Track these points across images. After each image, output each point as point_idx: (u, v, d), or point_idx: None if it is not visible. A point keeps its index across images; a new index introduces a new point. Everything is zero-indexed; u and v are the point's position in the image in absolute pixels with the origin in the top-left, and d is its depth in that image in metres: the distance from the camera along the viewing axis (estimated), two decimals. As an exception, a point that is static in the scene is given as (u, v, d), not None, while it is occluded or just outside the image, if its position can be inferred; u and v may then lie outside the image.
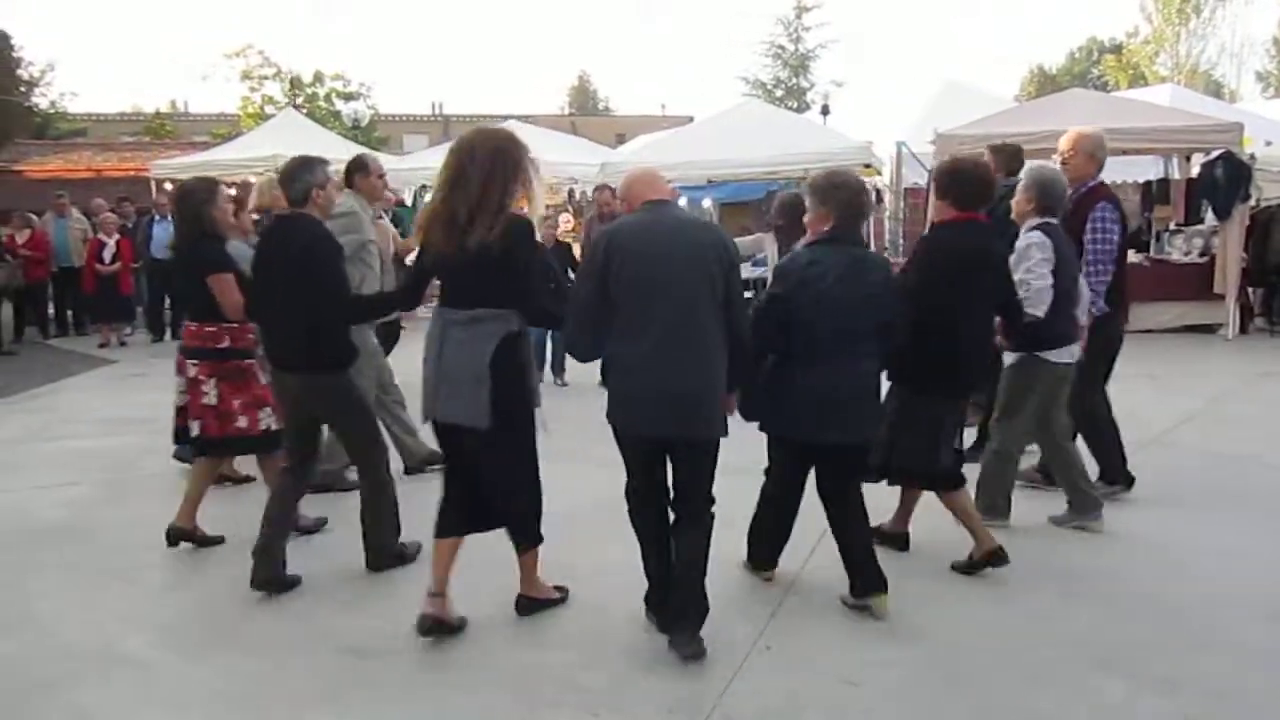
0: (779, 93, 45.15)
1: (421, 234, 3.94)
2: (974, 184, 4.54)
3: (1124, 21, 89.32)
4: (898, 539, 4.89)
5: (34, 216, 14.75)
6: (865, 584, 4.17)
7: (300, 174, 4.49)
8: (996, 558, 4.48)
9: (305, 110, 30.55)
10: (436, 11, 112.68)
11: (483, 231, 3.71)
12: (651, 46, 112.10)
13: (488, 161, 3.79)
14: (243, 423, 4.96)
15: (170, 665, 3.89)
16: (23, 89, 30.81)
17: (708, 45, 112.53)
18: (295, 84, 35.58)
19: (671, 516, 3.93)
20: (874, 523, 4.42)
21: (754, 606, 4.25)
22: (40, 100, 33.01)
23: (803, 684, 3.63)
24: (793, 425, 4.18)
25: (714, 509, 3.89)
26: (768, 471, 4.46)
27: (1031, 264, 4.79)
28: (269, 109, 32.65)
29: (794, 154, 13.50)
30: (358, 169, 5.97)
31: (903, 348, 4.26)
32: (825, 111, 31.35)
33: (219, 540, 5.11)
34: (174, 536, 5.02)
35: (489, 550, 4.09)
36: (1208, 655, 3.82)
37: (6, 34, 29.27)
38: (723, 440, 3.85)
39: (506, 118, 21.24)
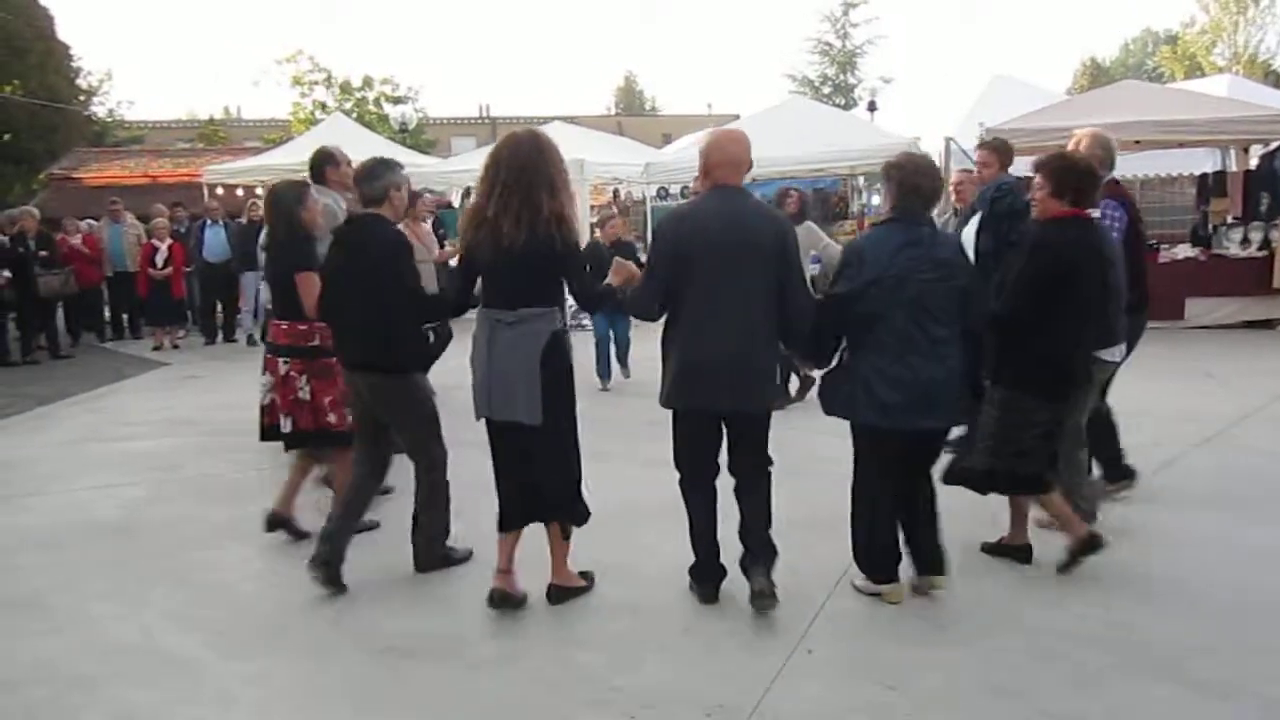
0: (826, 90, 44.81)
1: (467, 237, 4.12)
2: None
3: (1179, 11, 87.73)
4: (1021, 551, 4.71)
5: (93, 221, 15.11)
6: (929, 563, 4.27)
7: (380, 172, 4.53)
8: (1095, 543, 4.43)
9: (354, 114, 30.92)
10: (484, 14, 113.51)
11: (532, 232, 3.94)
12: (698, 46, 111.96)
13: (530, 163, 3.99)
14: (332, 418, 5.08)
15: (214, 665, 3.93)
16: (81, 98, 31.65)
17: (755, 43, 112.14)
18: (345, 88, 36.03)
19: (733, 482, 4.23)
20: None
21: (794, 609, 4.20)
22: (98, 109, 33.97)
23: (844, 688, 3.58)
24: None
25: (771, 468, 4.23)
26: None
27: None
28: (319, 114, 33.10)
29: (840, 151, 13.42)
30: (326, 161, 5.83)
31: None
32: (872, 108, 31.08)
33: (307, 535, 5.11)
34: (272, 523, 5.21)
35: (519, 547, 4.10)
36: (1265, 660, 3.71)
37: (66, 45, 30.10)
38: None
39: (552, 119, 21.30)
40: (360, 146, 17.43)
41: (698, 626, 4.08)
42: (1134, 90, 13.64)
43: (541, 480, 4.18)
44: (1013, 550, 4.69)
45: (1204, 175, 14.28)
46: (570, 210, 4.07)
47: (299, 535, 5.21)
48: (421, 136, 35.76)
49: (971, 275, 4.19)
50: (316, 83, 35.93)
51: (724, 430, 4.21)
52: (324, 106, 35.09)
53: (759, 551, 4.16)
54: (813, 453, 6.20)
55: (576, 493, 4.27)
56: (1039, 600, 4.26)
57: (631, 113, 57.79)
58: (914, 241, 4.02)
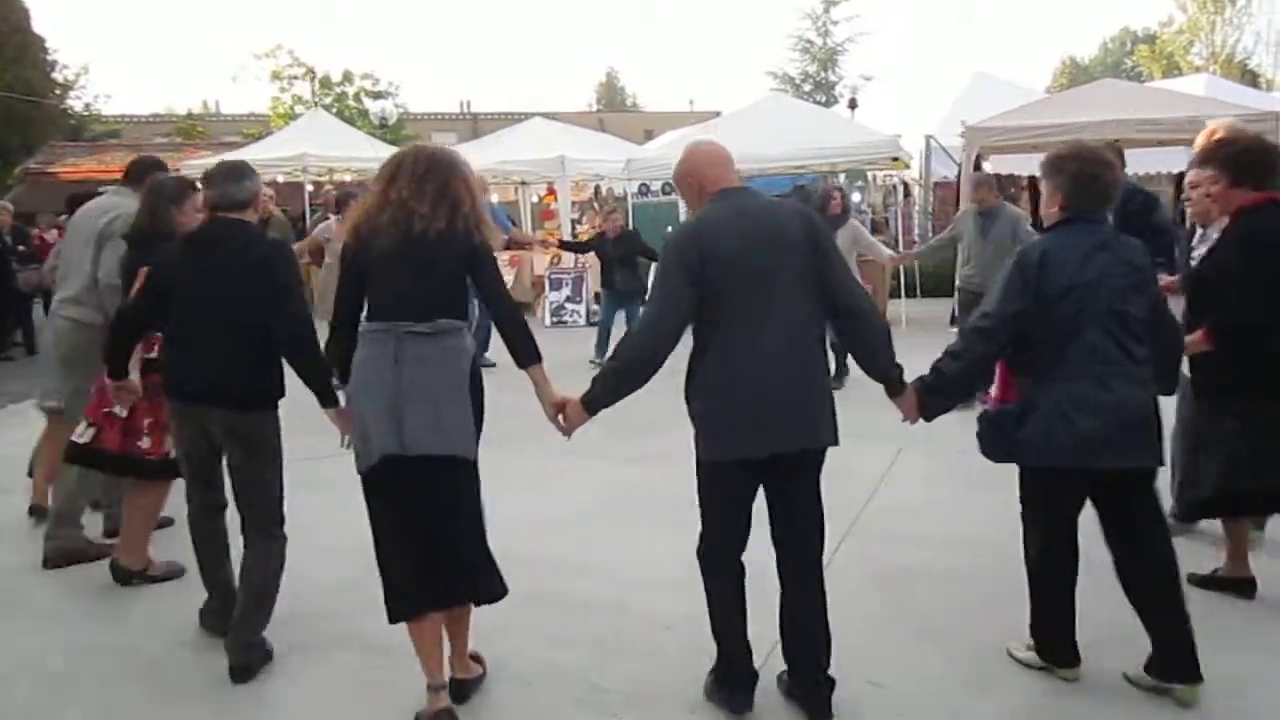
0: (807, 87, 44.94)
1: (356, 234, 3.38)
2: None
3: (1157, 10, 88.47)
4: (1243, 585, 4.23)
5: (69, 217, 15.00)
6: (1173, 665, 3.43)
7: (249, 174, 3.96)
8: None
9: (334, 109, 30.76)
10: (465, 9, 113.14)
11: (451, 224, 3.32)
12: (679, 42, 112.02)
13: (444, 161, 3.45)
14: (145, 443, 4.52)
15: (193, 664, 3.90)
16: (58, 92, 31.32)
17: (736, 40, 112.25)
18: (324, 83, 35.85)
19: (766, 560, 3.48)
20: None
21: (773, 602, 4.18)
22: (75, 103, 33.62)
23: (827, 685, 3.58)
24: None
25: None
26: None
27: None
28: (298, 109, 32.91)
29: (821, 148, 13.42)
30: (158, 168, 5.30)
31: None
32: (853, 105, 31.15)
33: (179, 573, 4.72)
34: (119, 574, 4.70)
35: (504, 547, 4.06)
36: (1232, 652, 3.71)
37: (41, 38, 29.77)
38: None
39: (533, 114, 21.25)
40: (340, 141, 17.47)
41: (681, 625, 4.07)
42: (1112, 89, 13.71)
43: (458, 545, 3.41)
44: (1233, 584, 4.24)
45: (1181, 174, 14.33)
46: (484, 214, 3.54)
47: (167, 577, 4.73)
48: (402, 132, 35.53)
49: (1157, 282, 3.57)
50: (296, 77, 35.74)
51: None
52: (302, 101, 34.88)
53: (819, 688, 3.37)
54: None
55: (491, 557, 3.53)
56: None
57: (613, 109, 57.70)
58: (1103, 244, 3.42)
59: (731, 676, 3.43)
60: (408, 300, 3.29)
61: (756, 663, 3.48)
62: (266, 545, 3.85)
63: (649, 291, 3.48)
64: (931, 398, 3.55)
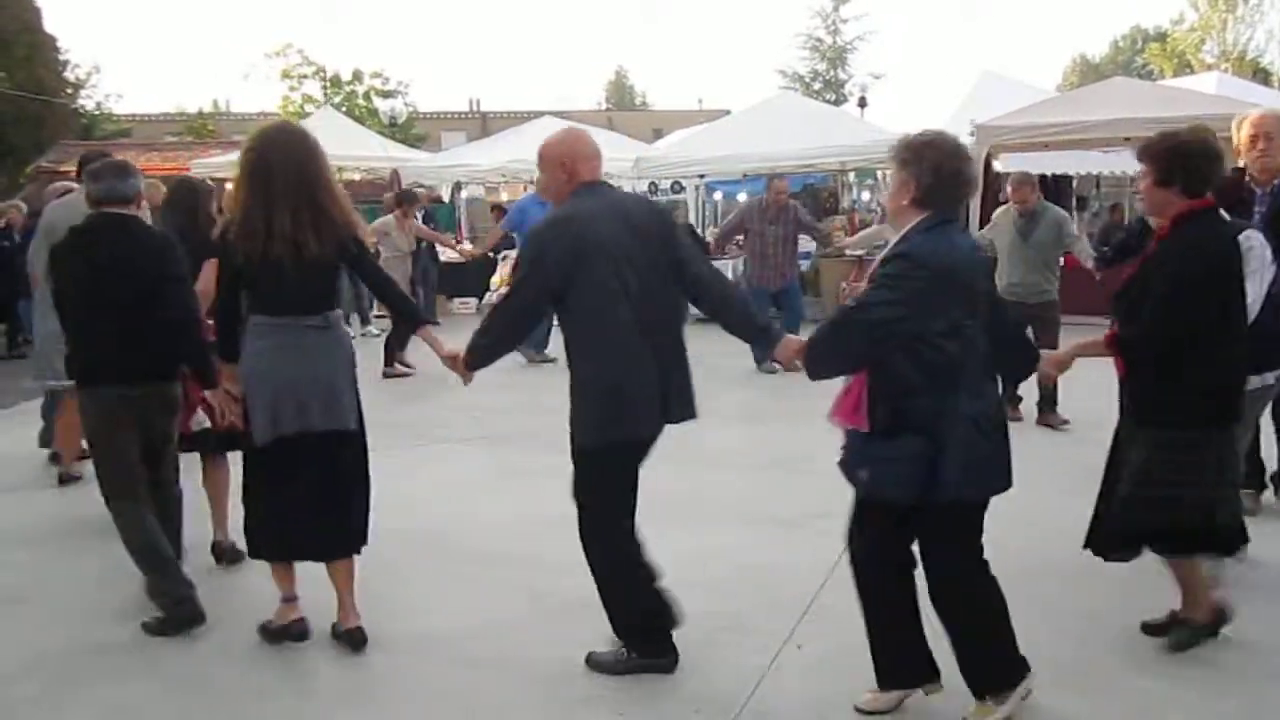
0: (816, 85, 44.96)
1: (245, 248, 3.68)
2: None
3: (1169, 8, 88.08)
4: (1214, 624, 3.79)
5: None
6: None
7: (133, 170, 4.30)
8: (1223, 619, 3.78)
9: (344, 108, 30.85)
10: (474, 8, 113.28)
11: (334, 241, 3.76)
12: (688, 41, 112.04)
13: (307, 165, 3.78)
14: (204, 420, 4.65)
15: (202, 661, 3.92)
16: (69, 91, 31.48)
17: (746, 38, 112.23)
18: (334, 82, 35.94)
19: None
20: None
21: (785, 605, 4.20)
22: (86, 102, 33.78)
23: (834, 684, 3.58)
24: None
25: None
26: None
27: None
28: (308, 108, 32.99)
29: (831, 147, 13.40)
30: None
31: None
32: (862, 104, 31.15)
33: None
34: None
35: (505, 545, 4.08)
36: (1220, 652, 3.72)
37: (53, 37, 29.94)
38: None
39: (543, 113, 21.27)
40: (350, 140, 17.47)
41: (688, 623, 4.05)
42: (1123, 87, 13.65)
43: (345, 505, 3.92)
44: (1203, 628, 3.76)
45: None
46: (352, 210, 3.95)
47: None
48: (411, 131, 35.66)
49: None
50: (306, 77, 35.84)
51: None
52: (313, 100, 34.98)
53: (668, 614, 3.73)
54: (799, 449, 6.21)
55: (368, 516, 4.04)
56: (1039, 605, 4.24)
57: (622, 107, 57.71)
58: (976, 244, 3.38)
59: (666, 639, 3.68)
60: (300, 298, 3.77)
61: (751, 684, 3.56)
62: (174, 486, 4.45)
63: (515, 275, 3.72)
64: (812, 355, 3.26)
